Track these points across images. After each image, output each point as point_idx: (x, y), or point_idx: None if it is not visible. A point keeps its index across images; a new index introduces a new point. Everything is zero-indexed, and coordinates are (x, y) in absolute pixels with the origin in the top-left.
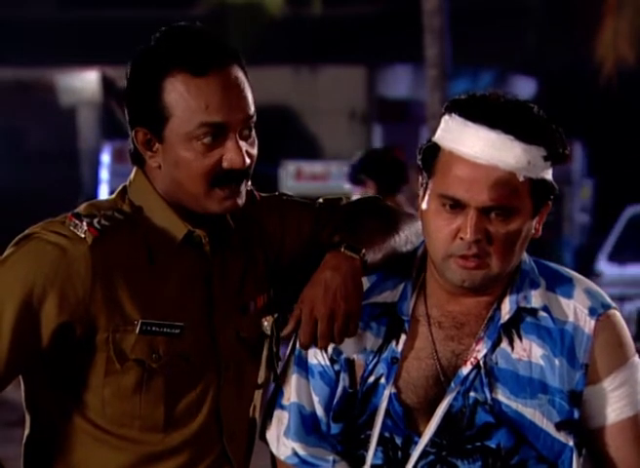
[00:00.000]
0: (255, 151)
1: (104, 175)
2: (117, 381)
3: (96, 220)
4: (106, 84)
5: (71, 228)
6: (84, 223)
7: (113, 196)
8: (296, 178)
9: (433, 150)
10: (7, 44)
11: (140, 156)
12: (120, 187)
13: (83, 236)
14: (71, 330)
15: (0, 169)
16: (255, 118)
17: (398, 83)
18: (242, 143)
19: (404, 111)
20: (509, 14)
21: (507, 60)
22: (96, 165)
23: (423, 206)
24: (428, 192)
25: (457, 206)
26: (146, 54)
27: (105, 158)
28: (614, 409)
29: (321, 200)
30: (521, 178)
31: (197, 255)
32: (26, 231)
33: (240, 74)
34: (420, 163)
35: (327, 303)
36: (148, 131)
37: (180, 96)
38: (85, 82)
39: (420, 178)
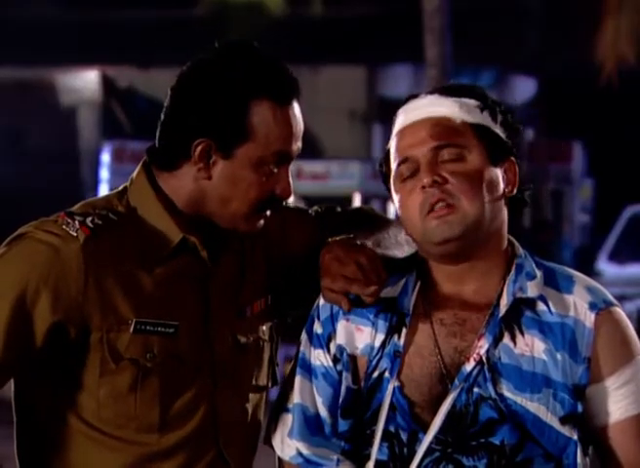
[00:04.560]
0: None
1: (104, 174)
2: (112, 381)
3: (89, 219)
4: (106, 84)
5: (63, 227)
6: (76, 222)
7: (111, 194)
8: (296, 178)
9: (386, 157)
10: (7, 44)
11: (175, 161)
12: (121, 187)
13: (75, 234)
14: (65, 329)
15: (0, 168)
16: None
17: (399, 83)
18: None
19: None
20: (509, 14)
21: (507, 60)
22: (96, 164)
23: (396, 204)
24: (393, 191)
25: (413, 173)
26: (231, 71)
27: (105, 157)
28: (619, 407)
29: (316, 208)
30: (457, 121)
31: (193, 259)
32: (19, 230)
33: None
34: (381, 176)
35: (349, 254)
36: (215, 144)
37: (266, 121)
38: (85, 82)
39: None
